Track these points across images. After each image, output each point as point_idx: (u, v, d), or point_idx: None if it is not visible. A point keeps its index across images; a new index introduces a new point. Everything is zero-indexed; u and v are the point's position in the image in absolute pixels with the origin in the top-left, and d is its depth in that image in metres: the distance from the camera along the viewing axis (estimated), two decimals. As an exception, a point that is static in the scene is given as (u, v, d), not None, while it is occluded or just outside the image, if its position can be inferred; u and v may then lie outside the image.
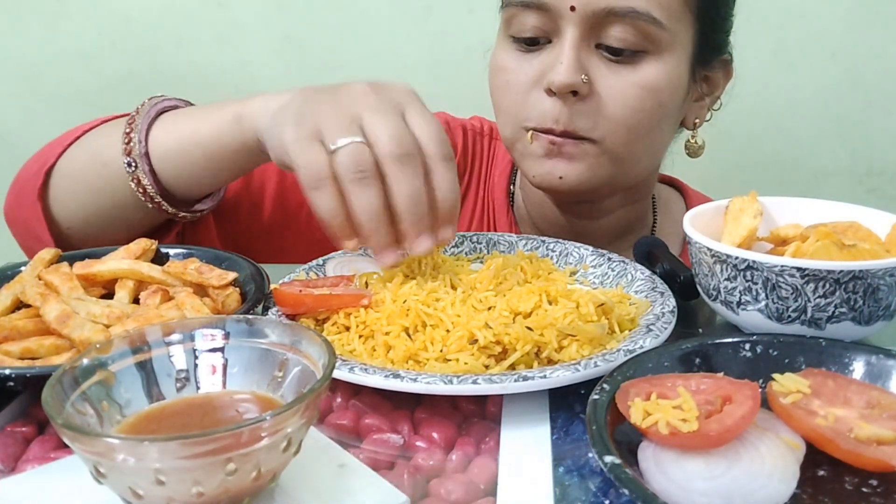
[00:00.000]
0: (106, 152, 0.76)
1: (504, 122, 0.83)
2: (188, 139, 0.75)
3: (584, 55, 0.76)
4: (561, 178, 0.79)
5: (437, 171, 0.62)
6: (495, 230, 0.94)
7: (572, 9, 0.74)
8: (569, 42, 0.75)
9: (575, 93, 0.76)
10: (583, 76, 0.75)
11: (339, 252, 0.76)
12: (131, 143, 0.75)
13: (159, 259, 0.71)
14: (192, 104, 0.82)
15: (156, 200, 0.76)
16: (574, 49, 0.75)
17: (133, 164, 0.75)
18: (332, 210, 0.61)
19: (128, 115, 0.78)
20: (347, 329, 0.61)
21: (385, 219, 0.61)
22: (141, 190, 0.75)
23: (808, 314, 0.57)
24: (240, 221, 0.90)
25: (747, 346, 0.54)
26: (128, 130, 0.76)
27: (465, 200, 0.96)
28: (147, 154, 0.75)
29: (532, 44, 0.79)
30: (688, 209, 0.93)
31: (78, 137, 0.81)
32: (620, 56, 0.76)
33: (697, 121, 0.86)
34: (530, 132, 0.79)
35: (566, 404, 0.54)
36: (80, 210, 0.79)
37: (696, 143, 0.87)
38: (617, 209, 0.90)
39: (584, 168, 0.79)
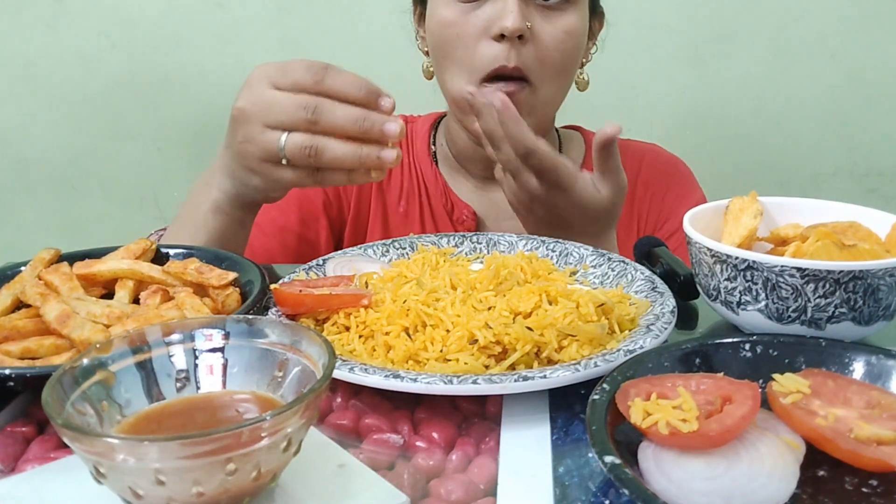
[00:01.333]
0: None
1: (456, 75, 0.92)
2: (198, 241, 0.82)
3: (523, 4, 0.88)
4: None
5: (331, 77, 0.72)
6: (426, 188, 1.05)
7: None
8: None
9: (521, 37, 0.87)
10: (527, 23, 0.87)
11: (339, 252, 0.76)
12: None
13: (159, 259, 0.71)
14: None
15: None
16: None
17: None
18: (340, 178, 0.73)
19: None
20: (347, 329, 0.61)
21: (353, 147, 0.71)
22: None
23: (808, 314, 0.57)
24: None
25: (747, 346, 0.54)
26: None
27: (392, 176, 1.07)
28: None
29: None
30: (586, 145, 1.10)
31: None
32: (550, 3, 0.90)
33: (585, 60, 1.02)
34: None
35: (566, 404, 0.54)
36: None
37: (584, 79, 1.02)
38: None
39: (525, 116, 0.87)
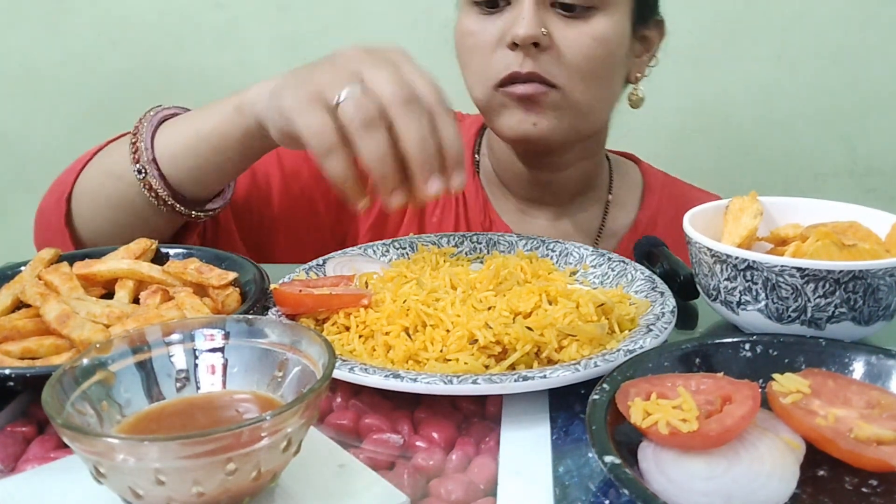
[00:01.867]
0: (116, 167, 0.80)
1: (474, 83, 0.90)
2: (192, 138, 0.77)
3: (542, 12, 0.84)
4: (535, 124, 0.86)
5: (440, 118, 0.64)
6: (464, 199, 1.00)
7: None
8: (528, 0, 0.83)
9: (537, 45, 0.83)
10: (542, 29, 0.83)
11: (339, 252, 0.76)
12: (138, 152, 0.78)
13: (159, 259, 0.71)
14: (189, 111, 0.85)
15: (168, 203, 0.78)
16: (533, 6, 0.83)
17: (143, 170, 0.78)
18: (342, 171, 0.62)
19: (131, 132, 0.81)
20: (347, 329, 0.61)
21: (394, 163, 0.62)
22: (153, 195, 0.78)
23: (808, 314, 0.57)
24: (253, 217, 0.94)
25: (747, 346, 0.54)
26: (133, 141, 0.79)
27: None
28: (155, 160, 0.78)
29: (492, 6, 0.86)
30: (644, 177, 1.04)
31: (88, 160, 0.85)
32: (573, 12, 0.85)
33: (639, 75, 0.96)
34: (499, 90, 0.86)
35: (566, 404, 0.54)
36: (104, 225, 0.83)
37: (637, 94, 0.96)
38: (577, 162, 0.97)
39: (553, 116, 0.87)
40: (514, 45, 0.83)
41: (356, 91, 0.61)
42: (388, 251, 0.77)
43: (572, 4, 0.84)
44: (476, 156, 1.04)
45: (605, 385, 0.48)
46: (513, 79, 0.85)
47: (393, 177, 0.62)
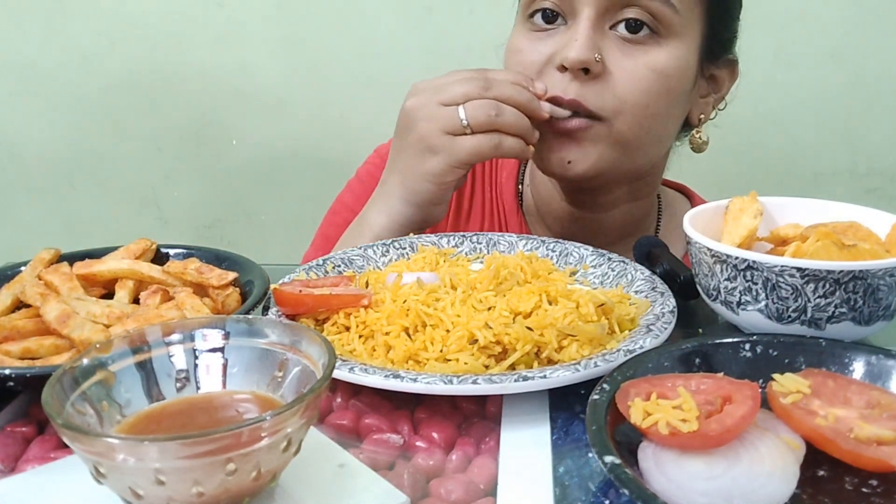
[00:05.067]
0: None
1: None
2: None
3: (598, 36, 0.78)
4: (570, 162, 0.81)
5: (490, 72, 0.78)
6: (507, 230, 0.95)
7: None
8: (584, 21, 0.78)
9: (587, 71, 0.77)
10: (596, 55, 0.77)
11: (339, 252, 0.76)
12: None
13: (159, 259, 0.71)
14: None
15: None
16: (589, 28, 0.77)
17: None
18: (517, 142, 0.78)
19: None
20: (347, 329, 0.61)
21: (519, 113, 0.77)
22: None
23: (808, 314, 0.57)
24: None
25: (747, 346, 0.54)
26: None
27: (474, 205, 0.98)
28: None
29: (548, 22, 0.81)
30: None
31: None
32: (632, 37, 0.78)
33: (703, 117, 0.88)
34: None
35: (566, 404, 0.54)
36: None
37: (700, 138, 0.89)
38: (623, 203, 0.91)
39: (593, 152, 0.80)
40: (562, 68, 0.78)
41: (465, 108, 0.75)
42: (388, 251, 0.77)
43: (633, 30, 0.77)
44: (519, 186, 0.98)
45: (605, 385, 0.48)
46: (555, 102, 0.79)
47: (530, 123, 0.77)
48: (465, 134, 0.76)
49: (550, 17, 0.81)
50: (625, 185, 0.88)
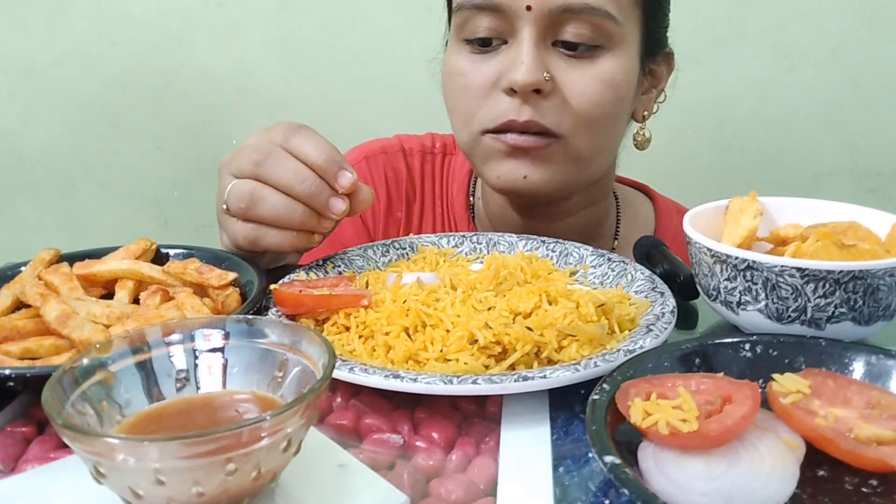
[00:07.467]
0: None
1: (460, 127, 0.82)
2: None
3: (543, 53, 0.76)
4: (525, 177, 0.79)
5: (298, 136, 0.66)
6: None
7: (528, 8, 0.74)
8: (527, 41, 0.75)
9: (538, 91, 0.75)
10: (545, 74, 0.75)
11: (340, 252, 0.76)
12: None
13: (159, 259, 0.71)
14: None
15: None
16: (533, 48, 0.75)
17: None
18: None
19: None
20: (347, 329, 0.61)
21: (294, 202, 0.66)
22: None
23: (808, 314, 0.57)
24: None
25: (747, 346, 0.54)
26: None
27: (424, 218, 0.97)
28: None
29: (486, 45, 0.78)
30: (656, 212, 0.95)
31: None
32: (577, 52, 0.76)
33: (646, 113, 0.87)
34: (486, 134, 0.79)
35: (566, 404, 0.54)
36: None
37: (643, 135, 0.88)
38: (578, 210, 0.90)
39: (548, 168, 0.78)
40: (511, 91, 0.75)
41: (230, 188, 0.67)
42: (388, 251, 0.77)
43: (576, 44, 0.75)
44: (471, 198, 0.96)
45: (605, 385, 0.48)
46: (508, 128, 0.77)
47: (300, 214, 0.66)
48: (230, 216, 0.68)
49: (487, 41, 0.78)
50: (577, 193, 0.87)
